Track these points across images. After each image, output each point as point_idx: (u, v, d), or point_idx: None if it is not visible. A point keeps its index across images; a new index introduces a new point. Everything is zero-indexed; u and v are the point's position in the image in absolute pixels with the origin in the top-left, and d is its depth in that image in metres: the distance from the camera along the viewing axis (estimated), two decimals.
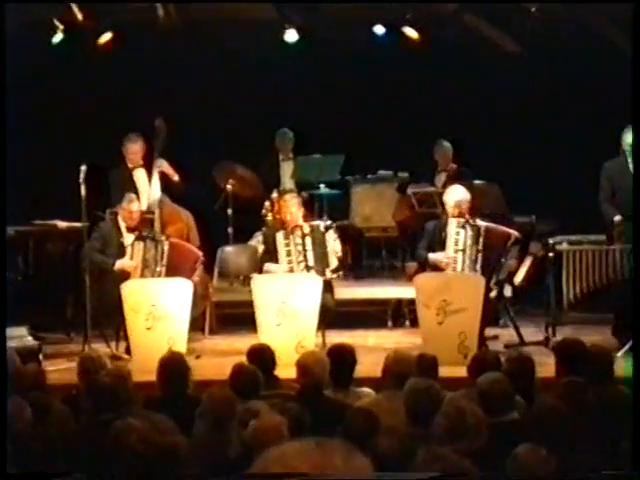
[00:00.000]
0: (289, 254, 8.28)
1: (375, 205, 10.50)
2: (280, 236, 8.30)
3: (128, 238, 8.28)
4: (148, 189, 9.12)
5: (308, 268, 8.23)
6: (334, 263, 8.29)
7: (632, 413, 4.80)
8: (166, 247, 8.16)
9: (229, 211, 9.79)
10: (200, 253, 8.40)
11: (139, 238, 8.19)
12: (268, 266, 8.31)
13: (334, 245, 8.34)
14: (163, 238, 8.27)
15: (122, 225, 8.39)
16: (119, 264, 8.15)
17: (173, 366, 5.60)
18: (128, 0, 9.69)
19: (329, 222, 8.57)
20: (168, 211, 9.00)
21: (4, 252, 8.01)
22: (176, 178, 9.16)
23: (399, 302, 9.27)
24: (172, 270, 8.11)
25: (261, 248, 8.86)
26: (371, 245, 10.45)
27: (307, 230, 8.31)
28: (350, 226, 10.19)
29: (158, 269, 8.12)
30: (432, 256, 8.09)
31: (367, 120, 10.55)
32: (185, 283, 7.91)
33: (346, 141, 10.24)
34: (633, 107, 7.65)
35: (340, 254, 8.37)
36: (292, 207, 8.39)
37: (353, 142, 10.27)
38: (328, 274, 8.21)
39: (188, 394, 5.48)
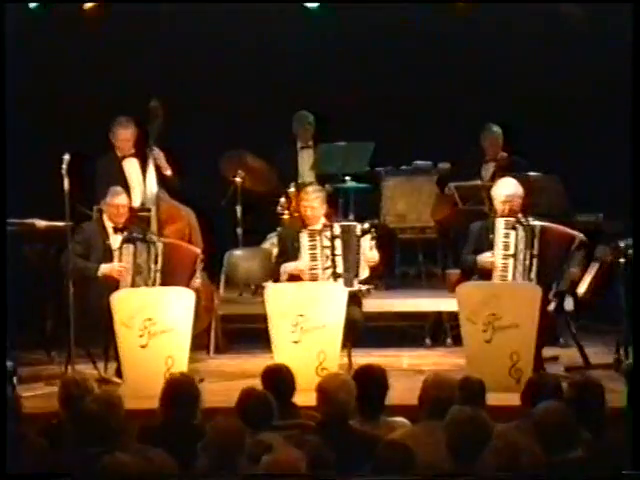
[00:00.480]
0: (314, 258, 8.24)
1: (410, 201, 10.49)
2: (305, 236, 8.25)
3: (115, 240, 8.29)
4: (141, 182, 9.13)
5: (336, 276, 8.20)
6: (365, 273, 8.26)
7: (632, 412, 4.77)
8: (160, 249, 8.15)
9: (238, 208, 9.80)
10: (199, 250, 8.39)
11: (128, 240, 8.18)
12: (285, 266, 8.26)
13: (369, 253, 8.29)
14: (155, 239, 8.26)
15: (108, 225, 8.39)
16: (104, 269, 8.15)
17: (182, 390, 5.58)
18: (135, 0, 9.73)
19: (367, 225, 8.48)
20: (167, 208, 9.02)
21: (4, 253, 8.04)
22: (168, 172, 9.16)
23: (439, 316, 9.25)
24: (168, 276, 8.12)
25: (275, 251, 8.85)
26: (405, 248, 10.44)
27: (338, 231, 8.27)
28: (380, 226, 10.17)
29: (152, 275, 8.12)
30: (481, 258, 8.05)
31: (401, 101, 10.52)
32: (186, 293, 7.91)
33: (376, 126, 10.23)
34: (633, 107, 7.65)
35: (373, 263, 8.32)
36: (314, 201, 8.36)
37: (384, 127, 10.25)
38: (356, 285, 8.19)
39: (193, 424, 5.46)
